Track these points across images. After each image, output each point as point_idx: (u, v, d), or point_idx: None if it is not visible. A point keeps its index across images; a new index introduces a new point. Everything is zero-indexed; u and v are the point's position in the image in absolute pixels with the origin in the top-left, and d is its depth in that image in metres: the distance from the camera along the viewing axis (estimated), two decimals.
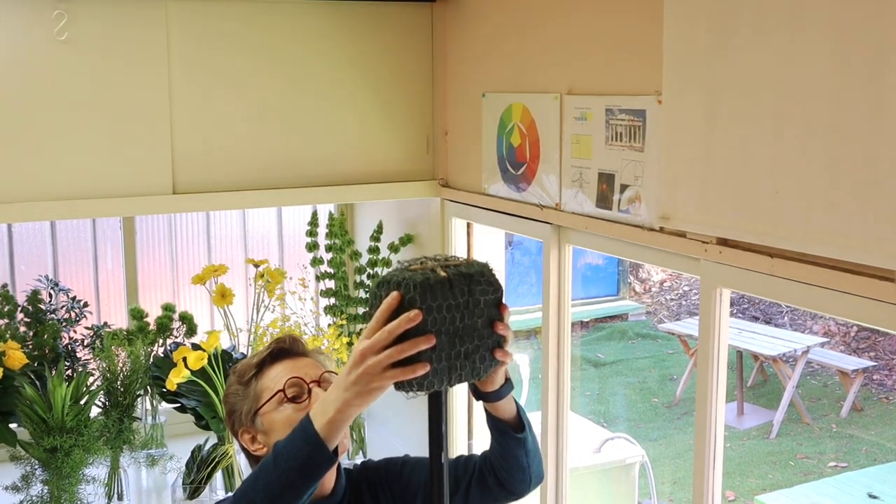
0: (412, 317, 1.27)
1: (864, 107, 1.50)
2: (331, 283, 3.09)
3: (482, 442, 2.99)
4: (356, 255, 3.09)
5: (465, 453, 1.94)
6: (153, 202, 2.64)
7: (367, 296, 3.05)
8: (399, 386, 1.30)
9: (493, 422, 1.63)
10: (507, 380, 1.54)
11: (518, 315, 7.71)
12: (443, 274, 1.31)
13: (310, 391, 1.68)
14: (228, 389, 1.75)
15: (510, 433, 1.62)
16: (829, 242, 1.58)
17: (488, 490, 1.71)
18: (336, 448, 1.37)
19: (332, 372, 1.73)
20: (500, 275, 3.10)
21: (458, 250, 2.97)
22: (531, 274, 8.80)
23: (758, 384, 8.02)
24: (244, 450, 1.72)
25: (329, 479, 1.72)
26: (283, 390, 1.66)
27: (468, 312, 1.33)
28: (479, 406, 2.67)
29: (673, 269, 2.13)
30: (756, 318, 9.22)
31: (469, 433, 3.03)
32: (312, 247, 3.09)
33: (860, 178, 1.52)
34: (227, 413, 1.74)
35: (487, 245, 3.05)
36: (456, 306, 1.32)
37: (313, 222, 3.10)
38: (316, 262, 3.09)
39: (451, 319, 1.31)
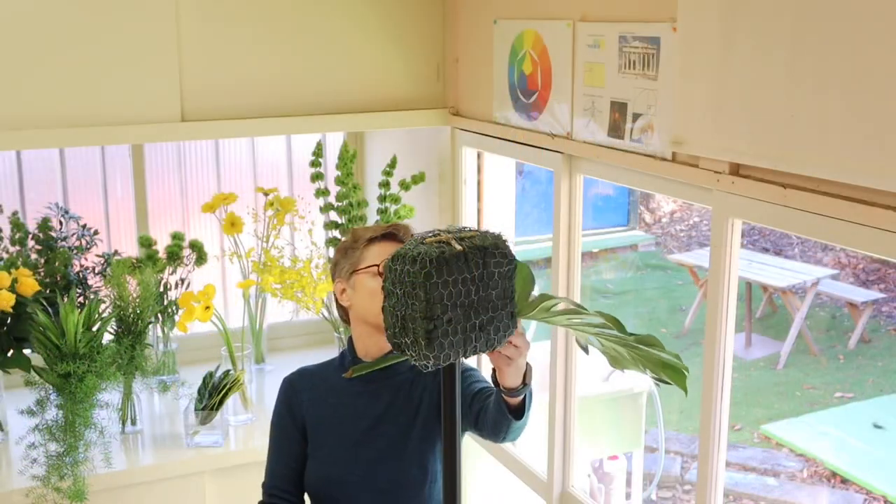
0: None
1: (884, 28, 1.47)
2: (335, 217, 3.05)
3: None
4: (361, 203, 3.05)
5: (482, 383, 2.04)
6: (162, 129, 2.62)
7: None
8: (416, 358, 1.33)
9: (499, 397, 1.79)
10: (526, 384, 1.72)
11: (528, 245, 7.72)
12: (458, 247, 1.32)
13: None
14: (342, 244, 2.08)
15: (507, 415, 1.80)
16: (845, 167, 1.56)
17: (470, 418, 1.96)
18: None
19: None
20: (510, 205, 3.09)
21: (469, 180, 2.95)
22: (541, 204, 8.77)
23: (766, 315, 8.04)
24: (334, 297, 2.09)
25: None
26: (377, 265, 1.99)
27: (483, 285, 1.34)
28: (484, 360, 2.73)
29: (685, 200, 2.12)
30: (766, 250, 9.20)
31: None
32: (317, 177, 3.06)
33: (878, 101, 1.49)
34: (334, 262, 2.09)
35: (498, 174, 3.03)
36: (471, 279, 1.33)
37: (317, 152, 3.05)
38: (320, 192, 3.06)
39: (466, 293, 1.32)
